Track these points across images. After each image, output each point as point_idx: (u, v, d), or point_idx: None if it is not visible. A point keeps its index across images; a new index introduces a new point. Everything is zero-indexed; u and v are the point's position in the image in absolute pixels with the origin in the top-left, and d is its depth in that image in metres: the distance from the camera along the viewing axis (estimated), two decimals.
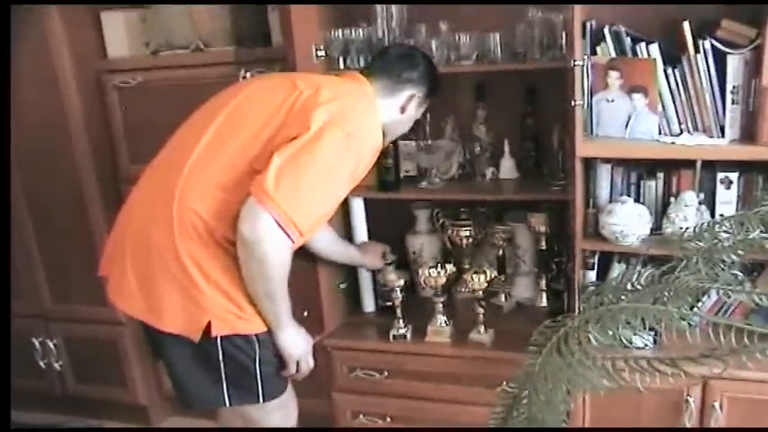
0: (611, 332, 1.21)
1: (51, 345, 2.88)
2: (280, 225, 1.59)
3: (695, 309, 1.51)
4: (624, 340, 1.51)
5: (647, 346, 2.04)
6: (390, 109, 1.93)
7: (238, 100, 1.78)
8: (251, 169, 1.66)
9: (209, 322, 1.68)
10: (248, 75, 2.25)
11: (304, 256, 2.12)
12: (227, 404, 1.79)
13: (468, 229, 2.44)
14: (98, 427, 2.94)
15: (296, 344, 1.81)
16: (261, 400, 1.81)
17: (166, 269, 1.69)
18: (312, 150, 1.63)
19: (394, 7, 2.25)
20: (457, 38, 2.22)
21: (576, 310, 2.02)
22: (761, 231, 1.52)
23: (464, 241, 2.45)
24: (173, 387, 1.86)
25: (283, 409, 1.92)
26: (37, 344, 2.89)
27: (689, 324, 2.04)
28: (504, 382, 2.12)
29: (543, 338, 1.31)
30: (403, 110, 1.95)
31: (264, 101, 1.75)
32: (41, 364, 2.91)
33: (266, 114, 1.71)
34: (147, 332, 1.81)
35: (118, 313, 2.72)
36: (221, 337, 1.71)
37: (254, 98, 1.78)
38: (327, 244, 2.26)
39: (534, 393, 1.25)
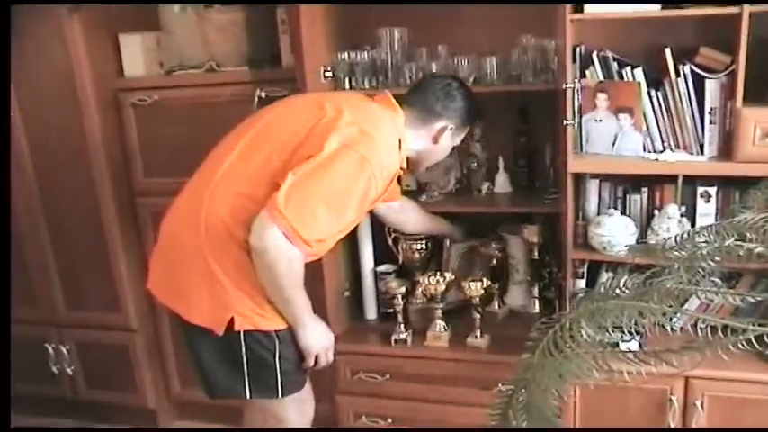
0: (601, 327, 1.35)
1: (64, 350, 2.97)
2: (288, 238, 1.72)
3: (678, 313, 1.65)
4: (611, 340, 1.65)
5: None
6: (421, 139, 2.03)
7: (267, 119, 1.93)
8: (272, 182, 1.78)
9: (233, 318, 1.82)
10: (263, 94, 2.38)
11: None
12: (248, 396, 1.91)
13: (421, 243, 2.55)
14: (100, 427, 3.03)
15: (315, 340, 1.94)
16: (279, 394, 1.93)
17: (194, 267, 1.83)
18: (325, 170, 1.76)
19: (396, 31, 2.40)
20: (455, 61, 2.36)
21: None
22: (735, 240, 1.68)
23: (416, 255, 2.57)
24: (198, 376, 1.98)
25: (301, 404, 2.05)
26: (50, 349, 2.98)
27: (671, 329, 2.19)
28: (500, 384, 2.28)
29: (540, 334, 1.44)
30: (435, 140, 2.04)
31: (291, 120, 1.88)
32: (54, 369, 3.00)
33: (290, 133, 1.84)
34: (178, 323, 1.95)
35: (129, 320, 2.86)
36: (244, 332, 1.84)
37: (281, 117, 1.92)
38: (415, 220, 2.43)
39: (533, 381, 1.39)
